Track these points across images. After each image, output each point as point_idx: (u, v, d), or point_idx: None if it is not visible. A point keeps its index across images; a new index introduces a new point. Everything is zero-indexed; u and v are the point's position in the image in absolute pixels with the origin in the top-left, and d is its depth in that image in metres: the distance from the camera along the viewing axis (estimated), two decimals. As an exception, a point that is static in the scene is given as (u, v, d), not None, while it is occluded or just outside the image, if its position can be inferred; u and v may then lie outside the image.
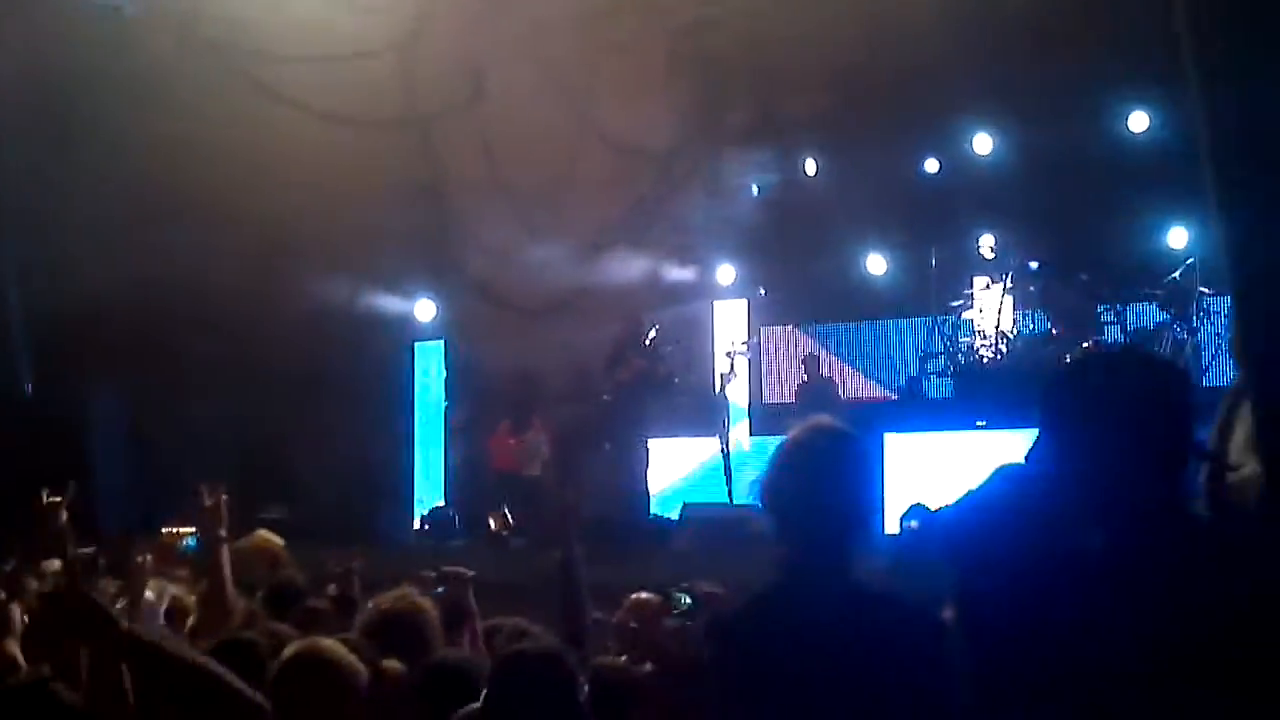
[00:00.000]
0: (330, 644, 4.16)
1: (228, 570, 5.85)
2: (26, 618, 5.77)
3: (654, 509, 14.77)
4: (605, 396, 15.39)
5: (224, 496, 5.84)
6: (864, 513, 3.52)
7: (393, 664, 4.57)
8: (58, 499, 5.85)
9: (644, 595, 5.89)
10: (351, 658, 4.08)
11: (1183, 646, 2.82)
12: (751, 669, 3.38)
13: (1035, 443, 3.10)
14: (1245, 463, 4.37)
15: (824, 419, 3.61)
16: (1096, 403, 3.04)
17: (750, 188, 18.31)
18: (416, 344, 18.43)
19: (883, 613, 3.38)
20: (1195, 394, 3.10)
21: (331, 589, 6.52)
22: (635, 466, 14.82)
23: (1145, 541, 2.92)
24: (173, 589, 6.09)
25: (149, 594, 6.09)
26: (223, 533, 5.82)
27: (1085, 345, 14.04)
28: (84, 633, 3.35)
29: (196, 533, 6.02)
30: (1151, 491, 2.97)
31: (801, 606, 3.39)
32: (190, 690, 3.31)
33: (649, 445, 14.97)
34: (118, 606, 4.72)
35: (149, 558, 6.56)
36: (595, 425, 15.56)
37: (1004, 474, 3.36)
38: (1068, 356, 14.04)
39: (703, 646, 3.60)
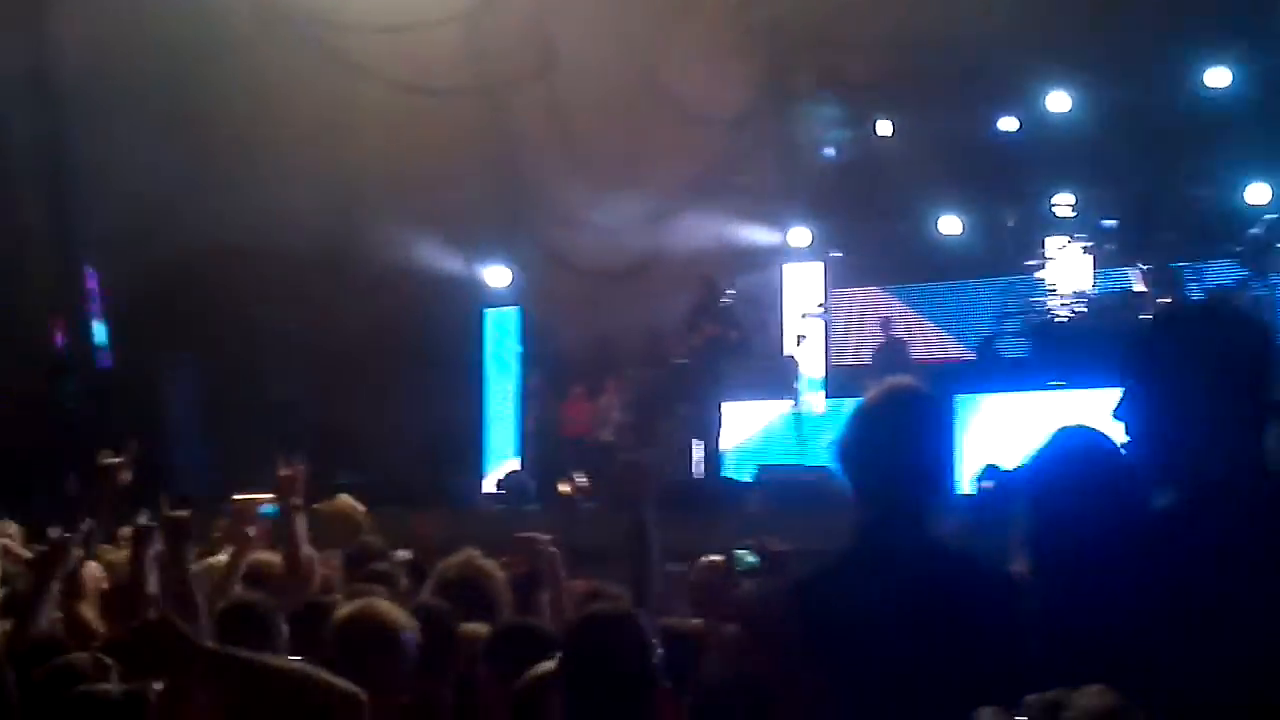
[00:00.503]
0: (382, 604, 4.21)
1: (304, 536, 5.98)
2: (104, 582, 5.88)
3: (728, 471, 14.75)
4: (679, 360, 15.39)
5: (301, 466, 5.97)
6: (940, 473, 3.50)
7: (474, 627, 4.61)
8: (118, 459, 5.93)
9: (713, 558, 5.87)
10: (403, 617, 4.13)
11: (1268, 612, 2.77)
12: (831, 630, 3.36)
13: (1121, 400, 3.05)
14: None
15: (901, 379, 3.60)
16: (1180, 359, 3.00)
17: (823, 150, 18.19)
18: (489, 310, 18.50)
19: (959, 571, 3.36)
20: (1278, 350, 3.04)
21: (403, 554, 6.55)
22: (710, 429, 14.80)
23: (1229, 504, 2.88)
24: (257, 555, 6.15)
25: (220, 557, 6.17)
26: (298, 501, 5.95)
27: (1167, 301, 13.88)
28: (171, 666, 3.36)
29: (274, 500, 6.07)
30: (1235, 450, 2.93)
31: (879, 567, 3.35)
32: (282, 698, 3.32)
33: (722, 409, 14.94)
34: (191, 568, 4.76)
35: (226, 522, 6.65)
36: (669, 389, 15.59)
37: (1079, 432, 3.38)
38: (1151, 314, 13.91)
39: (779, 609, 3.55)
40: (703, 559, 6.03)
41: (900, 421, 3.46)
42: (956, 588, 3.31)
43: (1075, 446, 3.29)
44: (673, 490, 12.26)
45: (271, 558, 6.05)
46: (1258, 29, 12.30)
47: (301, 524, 5.99)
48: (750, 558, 5.47)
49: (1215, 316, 3.31)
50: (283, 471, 6.00)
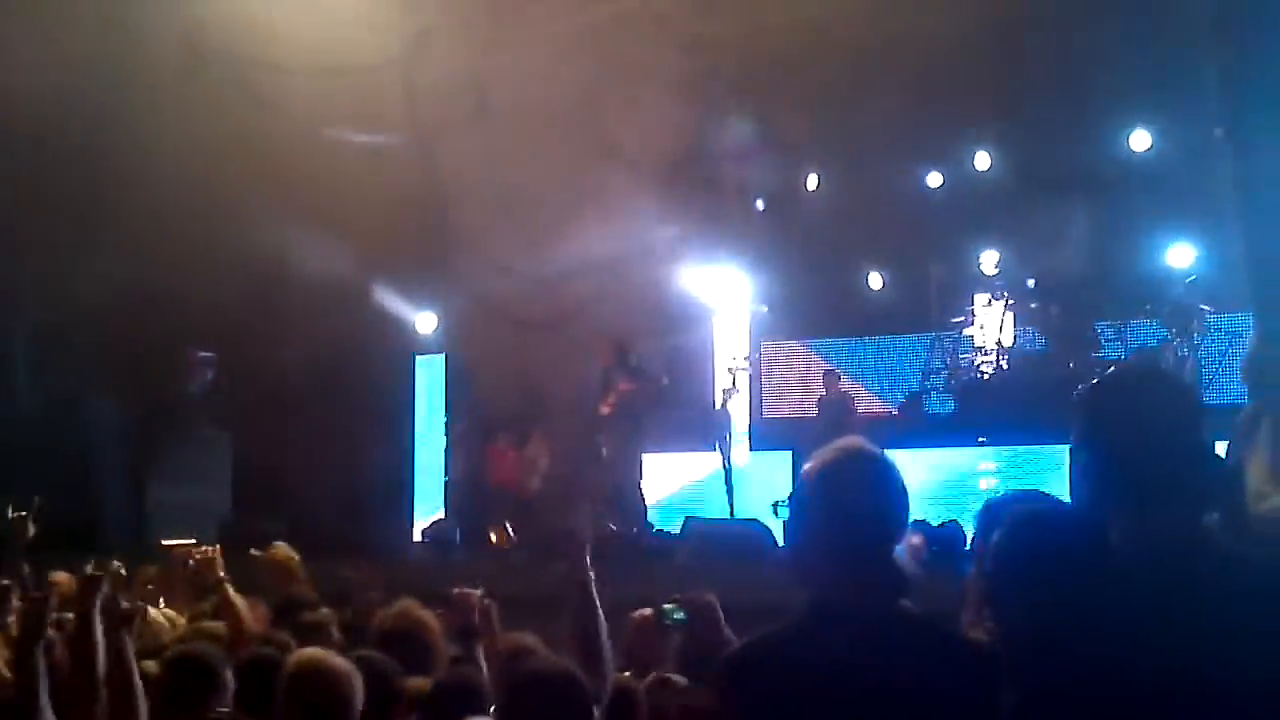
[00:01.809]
0: (330, 657, 4.22)
1: (238, 603, 6.27)
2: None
3: (655, 523, 14.76)
4: (604, 411, 15.40)
5: (217, 547, 6.37)
6: (897, 523, 3.47)
7: (417, 681, 4.63)
8: (23, 514, 5.96)
9: (644, 611, 5.89)
10: (349, 669, 4.15)
11: (1215, 676, 2.85)
12: (793, 700, 3.26)
13: (1070, 463, 3.17)
14: (1268, 492, 4.37)
15: (853, 441, 3.55)
16: (1124, 423, 3.10)
17: (753, 202, 18.32)
18: (417, 356, 18.45)
19: (927, 639, 3.33)
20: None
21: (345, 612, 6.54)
22: (633, 481, 14.85)
23: (1174, 573, 2.95)
24: (155, 612, 6.20)
25: (166, 611, 6.29)
26: (221, 574, 6.29)
27: (1088, 359, 14.18)
28: None
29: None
30: (1178, 518, 3.02)
31: (843, 634, 3.29)
32: None
33: (645, 460, 15.07)
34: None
35: (154, 569, 6.68)
36: (595, 440, 15.60)
37: (1031, 498, 3.55)
38: (1070, 372, 14.14)
39: (736, 676, 3.43)
40: (634, 613, 6.05)
41: (862, 485, 3.44)
42: (927, 657, 3.28)
43: (1033, 513, 3.32)
44: (599, 543, 12.30)
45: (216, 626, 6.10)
46: (1175, 94, 12.59)
47: (230, 594, 6.26)
48: (678, 613, 5.49)
49: (1157, 382, 3.41)
50: (202, 552, 6.27)
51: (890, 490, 3.44)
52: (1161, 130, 15.49)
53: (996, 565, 3.22)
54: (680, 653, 5.62)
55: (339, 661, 4.16)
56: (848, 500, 3.40)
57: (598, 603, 4.84)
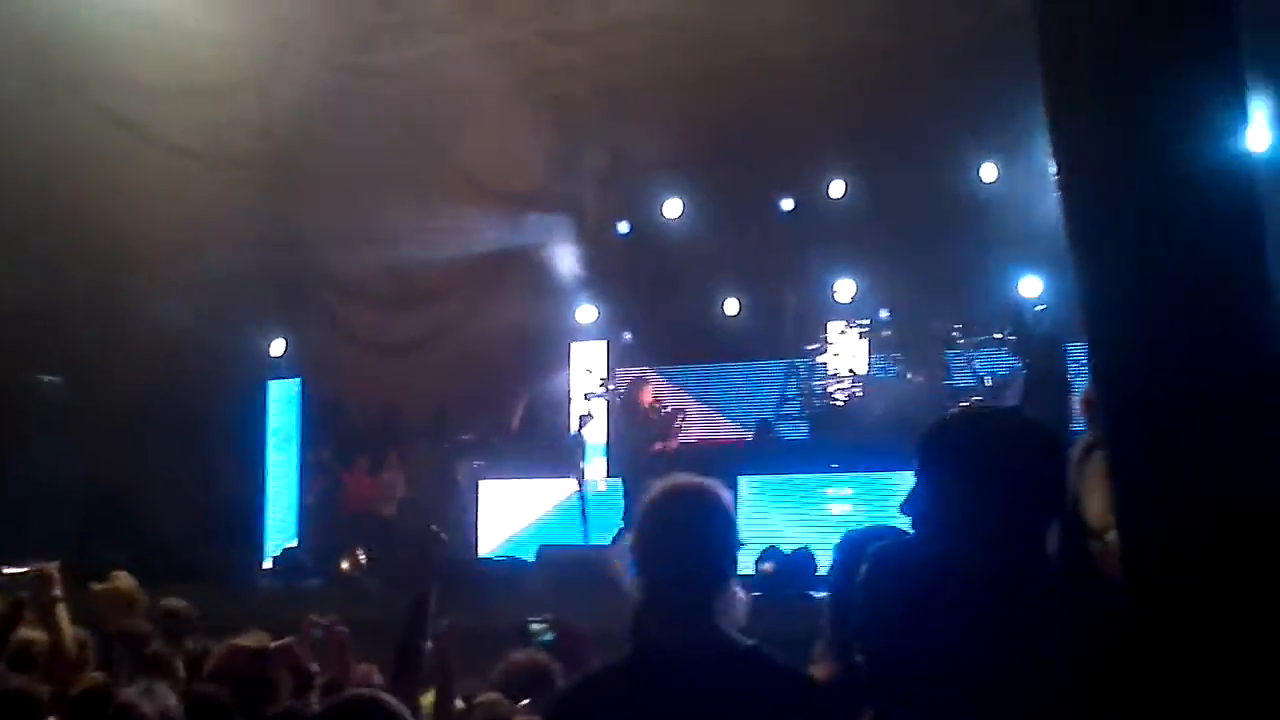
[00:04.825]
0: (165, 691, 4.17)
1: (65, 627, 6.13)
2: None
3: (510, 550, 14.74)
4: (462, 437, 15.35)
5: (55, 564, 6.22)
6: (725, 565, 3.52)
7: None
8: None
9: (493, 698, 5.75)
10: (177, 705, 4.09)
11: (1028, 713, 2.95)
12: None
13: (910, 495, 3.22)
14: (1109, 524, 4.44)
15: (682, 478, 3.59)
16: (969, 461, 3.16)
17: (611, 229, 18.38)
18: (270, 381, 18.23)
19: (755, 674, 3.35)
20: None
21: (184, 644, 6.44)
22: (481, 507, 14.99)
23: (1009, 611, 3.04)
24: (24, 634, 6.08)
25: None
26: (56, 592, 6.14)
27: (954, 392, 14.39)
28: None
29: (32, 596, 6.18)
30: (1020, 554, 3.09)
31: (666, 668, 3.34)
32: None
33: (501, 488, 15.12)
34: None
35: None
36: (451, 465, 15.57)
37: (881, 534, 3.59)
38: (923, 400, 14.32)
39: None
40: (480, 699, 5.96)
41: (684, 522, 3.47)
42: (757, 693, 3.30)
43: (900, 549, 3.36)
44: (452, 567, 12.28)
45: (39, 636, 6.00)
46: (1019, 126, 12.85)
47: (61, 614, 6.11)
48: (546, 634, 5.48)
49: (1006, 418, 3.56)
50: (39, 570, 6.14)
51: (717, 526, 3.48)
52: (1008, 164, 15.74)
53: (867, 601, 3.26)
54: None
55: (172, 701, 4.09)
56: (672, 538, 3.44)
57: (430, 620, 4.82)
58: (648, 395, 15.12)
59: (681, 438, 15.20)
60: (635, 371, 16.71)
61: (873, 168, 16.43)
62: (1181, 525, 2.95)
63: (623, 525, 13.31)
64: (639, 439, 14.89)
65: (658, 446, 14.54)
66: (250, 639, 5.44)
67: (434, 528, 5.02)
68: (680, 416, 15.36)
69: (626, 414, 15.39)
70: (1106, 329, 3.11)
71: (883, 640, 3.17)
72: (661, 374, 17.59)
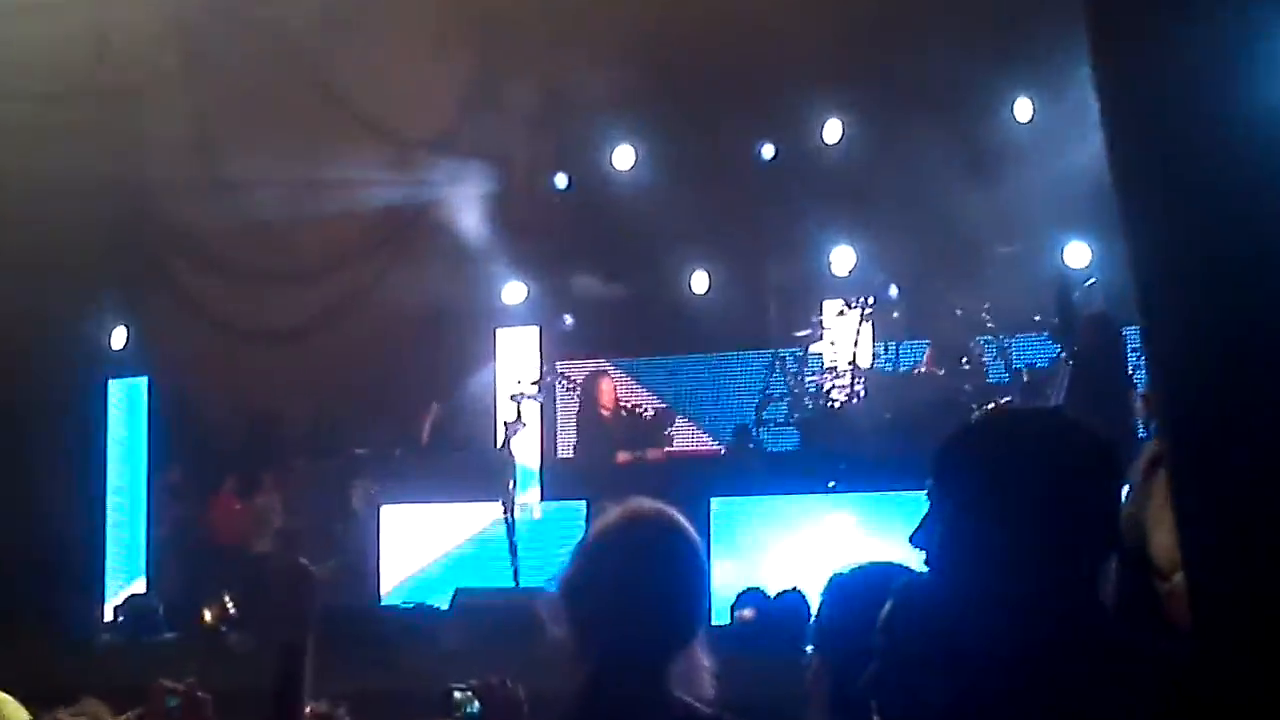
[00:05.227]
0: None
1: None
2: None
3: (419, 594, 14.72)
4: (358, 450, 15.33)
5: None
6: (689, 623, 3.60)
7: None
8: None
9: None
10: None
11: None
12: None
13: (922, 522, 3.19)
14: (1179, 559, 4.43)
15: (642, 504, 3.67)
16: (1000, 475, 3.12)
17: (545, 183, 18.34)
18: (109, 380, 18.10)
19: None
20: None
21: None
22: (382, 539, 15.02)
23: (1056, 665, 3.02)
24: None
25: None
26: None
27: (985, 390, 14.38)
28: None
29: None
30: (1066, 598, 3.08)
31: None
32: None
33: (408, 515, 15.23)
34: None
35: None
36: (342, 485, 15.55)
37: (881, 571, 3.62)
38: (943, 399, 14.32)
39: None
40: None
41: (640, 560, 3.55)
42: None
43: (877, 590, 3.33)
44: (344, 616, 12.23)
45: None
46: (1062, 51, 12.85)
47: None
48: (470, 705, 5.47)
49: (1047, 423, 3.43)
50: None
51: (680, 568, 3.59)
52: (1047, 97, 15.73)
53: (886, 655, 3.23)
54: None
55: None
56: (623, 584, 3.54)
57: (306, 678, 4.80)
58: (608, 391, 15.11)
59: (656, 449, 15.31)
60: (588, 362, 16.74)
61: (877, 104, 16.52)
62: (1265, 562, 2.88)
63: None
64: (597, 450, 14.88)
65: (622, 458, 14.54)
66: (86, 710, 5.42)
67: (302, 560, 4.94)
68: (667, 420, 15.41)
69: (581, 417, 15.37)
70: (1165, 302, 3.04)
71: (904, 704, 3.15)
72: (613, 367, 17.56)
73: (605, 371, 16.39)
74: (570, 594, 3.63)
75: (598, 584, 3.56)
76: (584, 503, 14.18)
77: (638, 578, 3.52)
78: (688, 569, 3.59)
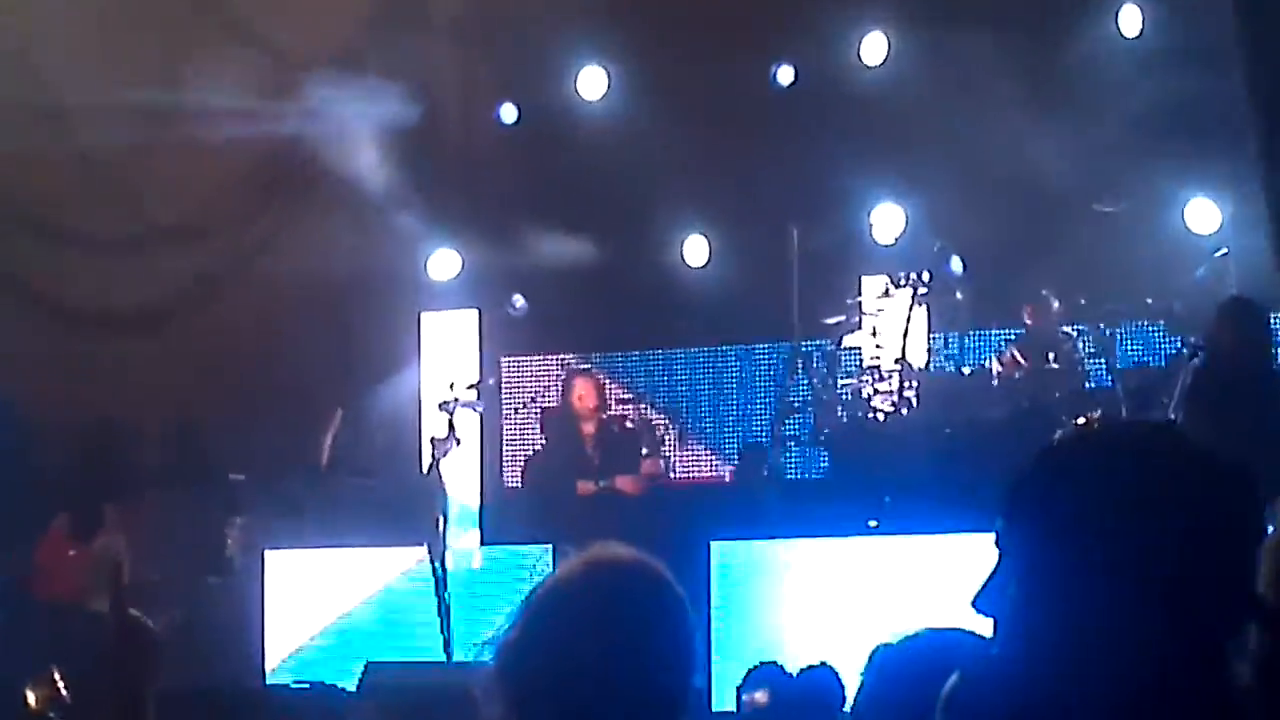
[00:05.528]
0: None
1: None
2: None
3: (317, 670, 14.93)
4: (236, 476, 15.20)
5: None
6: (668, 707, 3.61)
7: None
8: None
9: None
10: None
11: None
12: None
13: (988, 580, 3.08)
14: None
15: (610, 549, 3.70)
16: (1096, 522, 3.00)
17: (486, 117, 18.18)
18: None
19: None
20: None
21: None
22: (268, 595, 15.32)
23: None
24: None
25: None
26: None
27: (1080, 399, 14.31)
28: None
29: None
30: (1187, 679, 2.96)
31: None
32: None
33: (300, 560, 15.73)
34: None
35: None
36: (212, 522, 15.47)
37: (937, 642, 3.78)
38: (1028, 409, 14.19)
39: None
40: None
41: (603, 620, 3.58)
42: None
43: (933, 668, 3.32)
44: (214, 700, 12.07)
45: None
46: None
47: None
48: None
49: (1163, 443, 3.23)
50: None
51: (660, 640, 3.62)
52: (1155, 4, 15.80)
53: None
54: None
55: None
56: (579, 649, 3.54)
57: None
58: (586, 396, 15.02)
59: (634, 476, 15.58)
60: (544, 359, 16.64)
61: (933, 12, 16.49)
62: None
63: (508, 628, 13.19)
64: (565, 477, 14.77)
65: (584, 488, 14.53)
66: None
67: (133, 613, 4.92)
68: (651, 437, 15.44)
69: (550, 431, 15.31)
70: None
71: None
72: (581, 364, 17.52)
73: (586, 370, 16.30)
74: (508, 666, 3.60)
75: (546, 653, 3.56)
76: (548, 549, 14.41)
77: (599, 646, 3.54)
78: (670, 635, 3.63)
